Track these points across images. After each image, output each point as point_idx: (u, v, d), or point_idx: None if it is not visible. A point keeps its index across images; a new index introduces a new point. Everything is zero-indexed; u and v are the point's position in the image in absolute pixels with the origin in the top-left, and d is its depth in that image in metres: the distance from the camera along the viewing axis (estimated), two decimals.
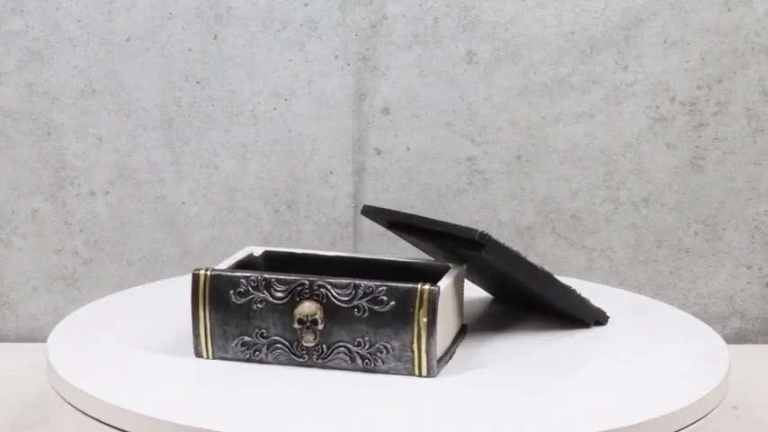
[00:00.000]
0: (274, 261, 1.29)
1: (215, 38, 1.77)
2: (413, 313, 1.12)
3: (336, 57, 1.78)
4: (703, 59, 1.77)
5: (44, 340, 1.29)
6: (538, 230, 1.82)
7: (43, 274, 1.82)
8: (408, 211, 1.43)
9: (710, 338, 1.30)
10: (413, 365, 1.13)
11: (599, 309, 1.31)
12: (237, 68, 1.78)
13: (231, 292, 1.15)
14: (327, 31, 1.77)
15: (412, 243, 1.34)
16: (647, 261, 1.83)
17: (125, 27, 1.76)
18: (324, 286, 1.14)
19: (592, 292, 1.50)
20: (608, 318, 1.32)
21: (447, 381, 1.14)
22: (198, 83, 1.78)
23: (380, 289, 1.13)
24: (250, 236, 1.82)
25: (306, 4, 1.77)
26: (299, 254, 1.29)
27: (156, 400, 1.08)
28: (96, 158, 1.80)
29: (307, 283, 1.14)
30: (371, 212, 1.30)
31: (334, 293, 1.14)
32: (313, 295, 1.14)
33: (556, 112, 1.79)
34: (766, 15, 1.76)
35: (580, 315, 1.30)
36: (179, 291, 1.45)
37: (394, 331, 1.13)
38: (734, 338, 1.85)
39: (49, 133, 1.79)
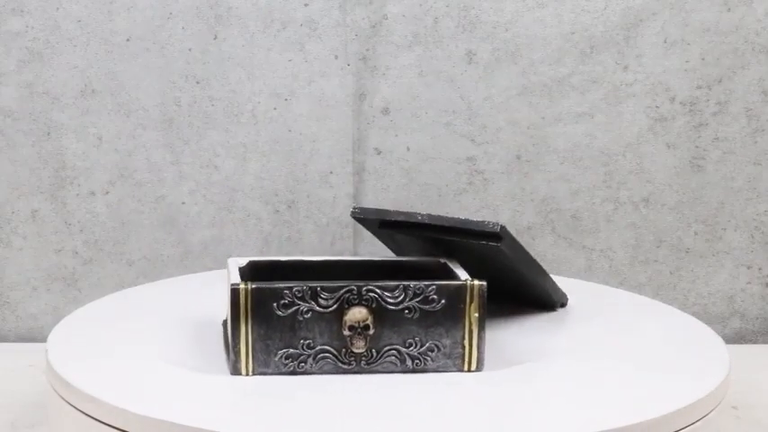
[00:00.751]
0: (260, 271, 1.25)
1: (215, 38, 1.77)
2: (464, 309, 1.14)
3: (336, 57, 1.78)
4: (703, 59, 1.77)
5: (44, 340, 1.29)
6: (538, 230, 1.82)
7: (43, 274, 1.82)
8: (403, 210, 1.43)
9: (710, 338, 1.30)
10: (462, 361, 1.15)
11: (563, 292, 1.37)
12: (237, 68, 1.78)
13: (275, 304, 1.12)
14: (327, 31, 1.77)
15: (391, 245, 1.35)
16: (647, 261, 1.83)
17: (125, 27, 1.77)
18: (372, 290, 1.14)
19: (592, 292, 1.50)
20: (567, 299, 1.38)
21: (494, 375, 1.16)
22: (198, 83, 1.78)
23: (431, 288, 1.14)
24: (250, 236, 1.82)
25: (306, 4, 1.77)
26: (283, 261, 1.26)
27: (157, 400, 1.08)
28: (96, 158, 1.80)
29: (355, 288, 1.13)
30: (365, 214, 1.29)
31: (385, 297, 1.14)
32: (362, 300, 1.14)
33: (556, 112, 1.79)
34: (766, 15, 1.76)
35: (553, 298, 1.35)
36: (179, 291, 1.45)
37: (445, 329, 1.14)
38: (734, 338, 1.85)
39: (49, 133, 1.79)
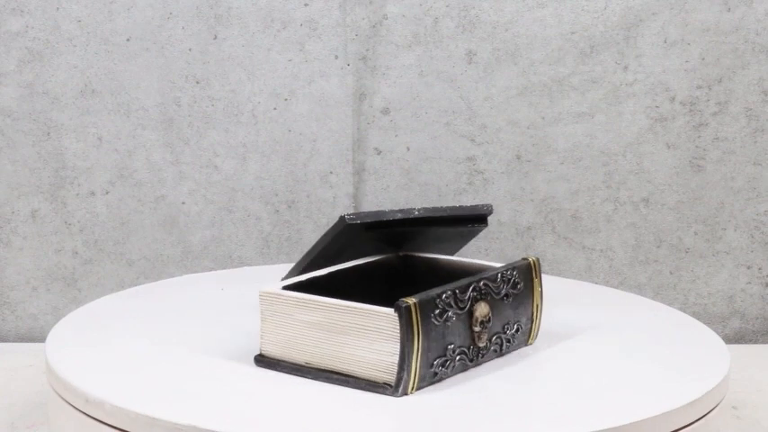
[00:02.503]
0: (306, 288, 1.21)
1: (215, 38, 1.77)
2: (532, 286, 1.20)
3: (336, 57, 1.78)
4: (703, 59, 1.78)
5: (44, 340, 1.29)
6: (538, 230, 1.82)
7: (43, 274, 1.82)
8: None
9: (710, 338, 1.30)
10: (528, 336, 1.21)
11: (478, 205, 1.34)
12: (237, 68, 1.78)
13: (431, 315, 1.09)
14: (327, 31, 1.77)
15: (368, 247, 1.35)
16: (647, 261, 1.83)
17: (125, 27, 1.77)
18: (486, 284, 1.15)
19: (592, 292, 1.50)
20: (491, 207, 1.35)
21: (543, 347, 1.22)
22: (198, 83, 1.78)
23: (514, 272, 1.18)
24: (250, 236, 1.82)
25: (306, 4, 1.77)
26: (319, 276, 1.22)
27: (157, 400, 1.08)
28: (96, 158, 1.80)
29: (474, 284, 1.14)
30: (360, 218, 1.28)
31: (492, 288, 1.16)
32: (481, 294, 1.14)
33: (556, 112, 1.79)
34: (766, 15, 1.76)
35: (473, 216, 1.33)
36: (179, 291, 1.45)
37: (524, 308, 1.20)
38: (734, 338, 1.85)
39: (48, 133, 1.79)
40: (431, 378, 1.09)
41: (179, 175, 1.81)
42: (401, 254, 1.29)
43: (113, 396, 1.07)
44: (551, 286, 1.51)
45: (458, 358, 1.12)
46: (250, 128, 1.80)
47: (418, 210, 1.26)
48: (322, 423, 1.01)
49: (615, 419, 1.03)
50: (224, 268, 1.82)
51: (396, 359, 1.07)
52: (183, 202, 1.82)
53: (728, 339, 1.82)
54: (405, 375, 1.07)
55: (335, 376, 1.10)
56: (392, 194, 1.81)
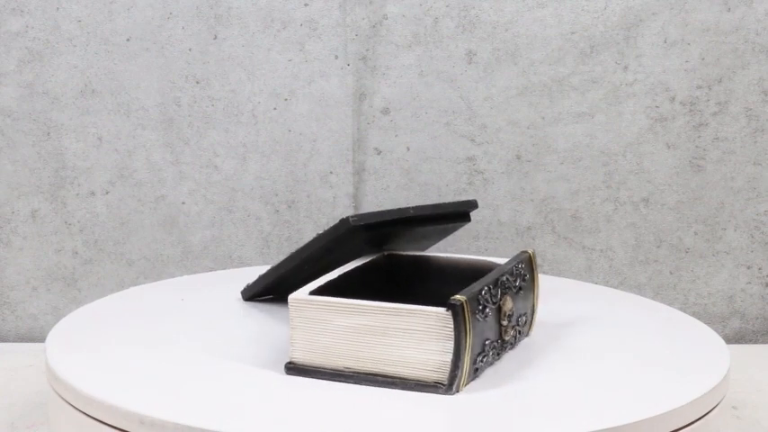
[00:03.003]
0: (330, 291, 1.21)
1: (215, 38, 1.77)
2: (534, 278, 1.24)
3: (336, 57, 1.78)
4: (703, 59, 1.78)
5: (44, 340, 1.29)
6: (538, 230, 1.82)
7: (43, 274, 1.82)
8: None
9: (710, 338, 1.30)
10: (529, 327, 1.24)
11: (464, 201, 1.35)
12: (237, 68, 1.78)
13: (476, 311, 1.09)
14: (327, 31, 1.77)
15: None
16: (647, 261, 1.83)
17: (125, 27, 1.77)
18: (507, 278, 1.17)
19: (592, 292, 1.50)
20: (476, 203, 1.35)
21: (543, 347, 1.23)
22: (198, 83, 1.78)
23: (522, 265, 1.20)
24: (250, 236, 1.82)
25: (306, 4, 1.77)
26: (336, 278, 1.22)
27: (157, 400, 1.08)
28: (96, 158, 1.80)
29: (500, 278, 1.15)
30: (364, 219, 1.28)
31: (512, 282, 1.17)
32: (505, 288, 1.16)
33: (556, 112, 1.79)
34: (766, 15, 1.76)
35: (460, 213, 1.34)
36: (179, 291, 1.45)
37: (529, 299, 1.23)
38: (734, 338, 1.85)
39: (48, 133, 1.79)
40: (473, 374, 1.10)
41: (179, 175, 1.81)
42: (386, 253, 1.29)
43: (113, 396, 1.07)
44: (552, 286, 1.51)
45: (491, 353, 1.13)
46: (250, 128, 1.80)
47: (412, 208, 1.26)
48: (384, 425, 1.01)
49: (615, 419, 1.03)
50: (224, 268, 1.82)
51: (448, 357, 1.07)
52: (183, 202, 1.82)
53: (728, 339, 1.82)
54: (459, 373, 1.07)
55: (380, 379, 1.09)
56: (392, 194, 1.81)
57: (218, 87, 1.79)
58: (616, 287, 1.81)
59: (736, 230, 1.82)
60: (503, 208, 1.82)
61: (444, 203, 1.29)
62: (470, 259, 1.30)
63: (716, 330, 1.81)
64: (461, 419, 1.03)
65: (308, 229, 1.82)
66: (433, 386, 1.08)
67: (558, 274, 1.82)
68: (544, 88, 1.79)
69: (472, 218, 1.81)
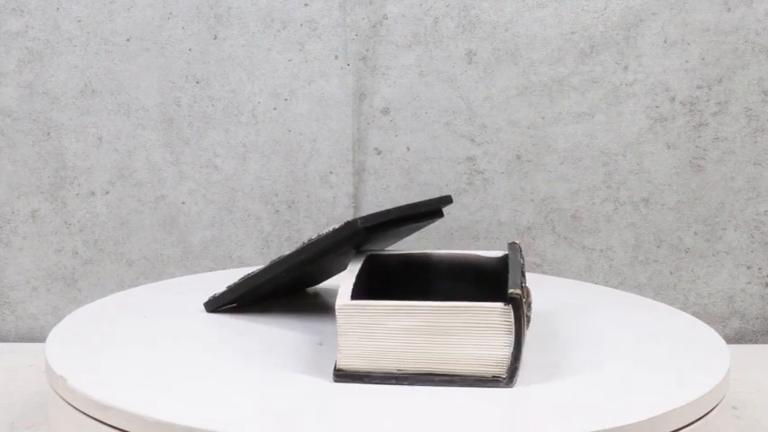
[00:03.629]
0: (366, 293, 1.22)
1: (215, 38, 1.77)
2: (522, 264, 1.23)
3: (336, 57, 1.78)
4: (703, 59, 1.78)
5: (44, 340, 1.29)
6: (538, 230, 1.82)
7: (43, 274, 1.82)
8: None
9: (710, 338, 1.30)
10: None
11: (440, 198, 1.33)
12: (237, 68, 1.78)
13: (525, 304, 1.12)
14: (327, 31, 1.77)
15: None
16: (647, 261, 1.83)
17: (125, 27, 1.77)
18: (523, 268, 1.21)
19: (592, 292, 1.50)
20: (450, 198, 1.34)
21: (543, 347, 1.24)
22: (198, 83, 1.78)
23: (521, 254, 1.24)
24: (250, 236, 1.82)
25: (306, 4, 1.77)
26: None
27: (157, 400, 1.08)
28: (96, 158, 1.80)
29: (522, 269, 1.18)
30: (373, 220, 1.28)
31: (523, 272, 1.21)
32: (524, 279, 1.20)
33: (556, 112, 1.79)
34: (766, 15, 1.76)
35: (433, 210, 1.32)
36: (179, 291, 1.45)
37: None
38: (734, 338, 1.85)
39: (48, 133, 1.79)
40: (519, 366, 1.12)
41: (179, 175, 1.81)
42: (369, 253, 1.29)
43: (113, 396, 1.07)
44: (552, 286, 1.51)
45: (523, 343, 1.14)
46: (250, 128, 1.80)
47: (398, 209, 1.26)
48: (456, 421, 1.02)
49: (615, 419, 1.03)
50: (224, 268, 1.82)
51: (506, 351, 1.09)
52: (183, 202, 1.82)
53: (728, 339, 1.82)
54: (518, 365, 1.09)
55: (438, 378, 1.09)
56: (392, 194, 1.81)
57: (218, 87, 1.79)
58: (616, 287, 1.81)
59: (736, 230, 1.82)
60: (503, 208, 1.82)
61: (422, 201, 1.28)
62: (457, 254, 1.30)
63: (716, 330, 1.81)
64: (530, 411, 1.05)
65: (307, 229, 1.82)
66: (493, 381, 1.09)
67: (558, 274, 1.82)
68: (544, 88, 1.79)
69: (472, 217, 1.81)
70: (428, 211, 1.29)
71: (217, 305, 1.35)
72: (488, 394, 1.07)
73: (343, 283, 1.16)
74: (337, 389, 1.09)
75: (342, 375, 1.10)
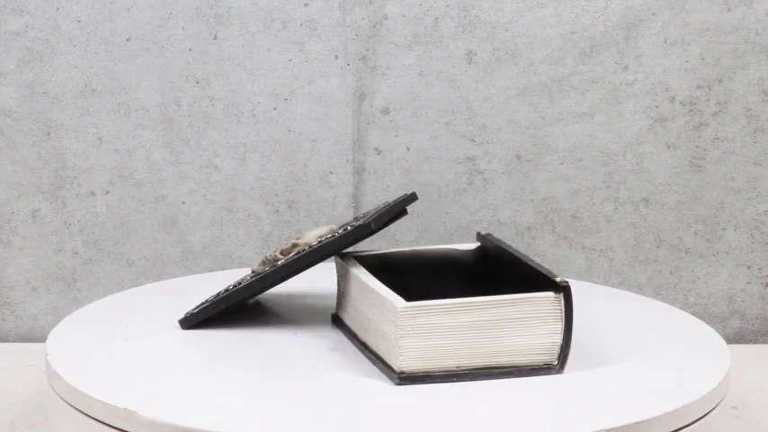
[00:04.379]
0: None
1: (215, 38, 1.77)
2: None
3: (336, 57, 1.78)
4: (703, 59, 1.78)
5: (44, 340, 1.29)
6: (538, 230, 1.82)
7: (43, 274, 1.82)
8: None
9: (710, 338, 1.30)
10: None
11: (407, 196, 1.31)
12: (237, 68, 1.78)
13: None
14: (327, 31, 1.77)
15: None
16: (647, 261, 1.83)
17: (125, 27, 1.77)
18: None
19: (592, 292, 1.50)
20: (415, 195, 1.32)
21: None
22: (198, 83, 1.78)
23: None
24: (250, 236, 1.82)
25: (306, 4, 1.77)
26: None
27: (157, 400, 1.08)
28: (96, 158, 1.80)
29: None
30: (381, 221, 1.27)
31: None
32: None
33: (556, 112, 1.79)
34: (766, 15, 1.76)
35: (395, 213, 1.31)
36: (179, 291, 1.45)
37: None
38: (734, 338, 1.85)
39: (48, 133, 1.79)
40: None
41: (179, 175, 1.81)
42: (354, 255, 1.30)
43: (113, 396, 1.07)
44: None
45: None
46: (250, 128, 1.80)
47: (376, 214, 1.26)
48: (523, 410, 1.06)
49: (615, 419, 1.03)
50: (224, 268, 1.82)
51: (557, 339, 1.13)
52: (183, 202, 1.82)
53: (728, 339, 1.82)
54: (568, 351, 1.13)
55: (495, 371, 1.12)
56: (392, 194, 1.81)
57: (218, 87, 1.79)
58: (616, 287, 1.80)
59: (736, 230, 1.82)
60: (503, 208, 1.82)
61: (391, 203, 1.28)
62: (432, 249, 1.32)
63: (716, 330, 1.80)
64: (586, 396, 1.09)
65: (307, 229, 1.82)
66: (545, 368, 1.13)
67: (558, 274, 1.81)
68: (544, 88, 1.79)
69: (472, 217, 1.82)
70: (399, 213, 1.29)
71: (195, 322, 1.29)
72: (543, 382, 1.12)
73: (374, 285, 1.16)
74: (402, 391, 1.09)
75: (406, 378, 1.10)
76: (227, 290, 1.28)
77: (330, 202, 1.81)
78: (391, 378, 1.11)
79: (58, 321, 1.58)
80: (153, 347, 1.23)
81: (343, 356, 1.19)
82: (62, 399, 1.13)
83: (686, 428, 1.08)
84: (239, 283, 1.28)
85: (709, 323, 1.77)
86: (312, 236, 1.29)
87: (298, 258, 1.25)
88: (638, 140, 1.80)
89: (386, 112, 1.80)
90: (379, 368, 1.14)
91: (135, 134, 1.80)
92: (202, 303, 1.29)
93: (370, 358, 1.17)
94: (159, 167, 1.80)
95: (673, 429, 1.06)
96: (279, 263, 1.26)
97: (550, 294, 1.12)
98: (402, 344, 1.10)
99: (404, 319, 1.09)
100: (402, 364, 1.10)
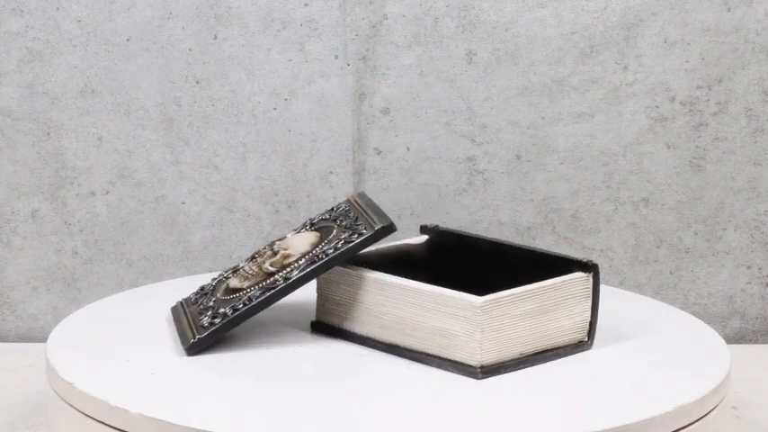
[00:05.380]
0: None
1: (215, 38, 1.77)
2: None
3: (336, 57, 1.78)
4: (703, 59, 1.78)
5: (44, 340, 1.29)
6: (538, 230, 1.82)
7: (43, 274, 1.82)
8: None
9: (710, 338, 1.30)
10: None
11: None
12: (237, 68, 1.78)
13: None
14: (327, 31, 1.77)
15: None
16: (647, 261, 1.83)
17: (125, 27, 1.77)
18: None
19: None
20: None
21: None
22: (198, 83, 1.78)
23: None
24: (250, 236, 1.82)
25: (306, 4, 1.77)
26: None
27: (157, 400, 1.08)
28: (96, 158, 1.80)
29: None
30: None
31: None
32: None
33: (556, 112, 1.79)
34: (766, 15, 1.76)
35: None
36: (179, 291, 1.45)
37: None
38: (734, 338, 1.85)
39: (48, 133, 1.79)
40: None
41: (179, 175, 1.81)
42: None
43: (113, 396, 1.07)
44: None
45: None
46: (250, 128, 1.80)
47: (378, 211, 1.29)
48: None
49: (615, 419, 1.03)
50: (224, 268, 1.82)
51: (587, 316, 1.21)
52: (183, 202, 1.82)
53: (728, 339, 1.82)
54: (595, 328, 1.22)
55: (548, 354, 1.19)
56: (392, 194, 1.81)
57: (218, 87, 1.79)
58: (616, 287, 1.80)
59: (736, 230, 1.82)
60: (503, 208, 1.82)
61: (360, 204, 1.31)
62: (393, 246, 1.35)
63: (716, 330, 1.80)
64: (616, 369, 1.17)
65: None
66: (580, 345, 1.21)
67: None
68: (544, 88, 1.79)
69: (472, 218, 1.82)
70: None
71: (205, 345, 1.22)
72: (581, 359, 1.20)
73: (423, 287, 1.17)
74: (485, 384, 1.13)
75: (486, 371, 1.14)
76: (235, 309, 1.23)
77: (330, 202, 1.81)
78: (470, 373, 1.14)
79: (58, 321, 1.58)
80: (152, 348, 1.23)
81: (379, 359, 1.19)
82: (62, 399, 1.13)
83: (686, 428, 1.08)
84: (250, 300, 1.23)
85: (709, 323, 1.77)
86: (301, 243, 1.27)
87: (318, 267, 1.23)
88: (638, 140, 1.80)
89: (386, 112, 1.80)
90: (438, 365, 1.16)
91: (135, 134, 1.80)
92: (209, 326, 1.23)
93: (415, 358, 1.18)
94: (159, 167, 1.80)
95: (673, 429, 1.06)
96: (293, 274, 1.23)
97: (582, 275, 1.19)
98: (482, 338, 1.13)
99: (483, 313, 1.12)
100: (482, 357, 1.13)
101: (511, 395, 1.11)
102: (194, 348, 1.20)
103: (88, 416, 1.09)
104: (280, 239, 1.31)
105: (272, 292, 1.23)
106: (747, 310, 1.84)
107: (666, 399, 1.08)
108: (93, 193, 1.81)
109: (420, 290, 1.17)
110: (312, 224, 1.34)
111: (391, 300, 1.19)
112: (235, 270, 1.31)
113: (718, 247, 1.82)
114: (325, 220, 1.32)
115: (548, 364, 1.18)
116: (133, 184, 1.81)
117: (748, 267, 1.83)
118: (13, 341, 1.84)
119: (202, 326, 1.22)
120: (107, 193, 1.81)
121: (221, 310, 1.23)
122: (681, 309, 1.78)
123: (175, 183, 1.81)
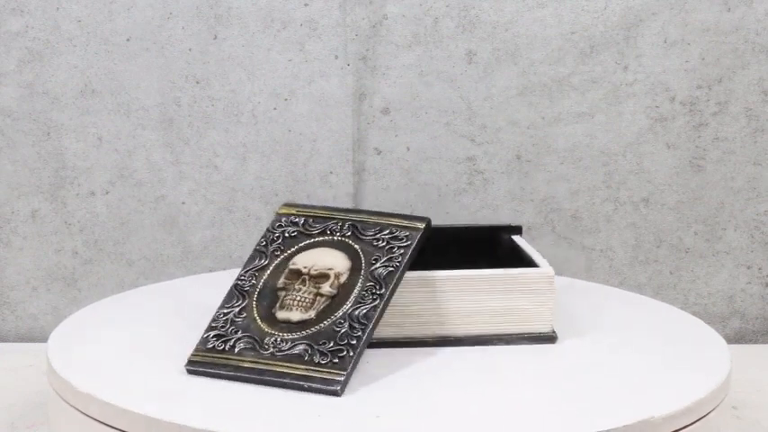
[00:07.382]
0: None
1: (215, 38, 1.77)
2: None
3: (336, 57, 1.78)
4: (703, 59, 1.78)
5: (44, 340, 1.29)
6: (538, 230, 1.82)
7: (43, 274, 1.82)
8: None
9: (710, 338, 1.30)
10: None
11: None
12: (237, 68, 1.78)
13: None
14: (327, 31, 1.77)
15: None
16: (647, 261, 1.83)
17: (125, 27, 1.77)
18: None
19: (592, 292, 1.50)
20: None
21: (543, 346, 1.30)
22: (198, 83, 1.78)
23: None
24: (250, 236, 1.82)
25: (306, 4, 1.77)
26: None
27: (158, 400, 1.08)
28: (96, 158, 1.80)
29: None
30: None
31: None
32: None
33: (556, 112, 1.79)
34: (766, 15, 1.76)
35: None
36: (179, 291, 1.45)
37: None
38: (734, 338, 1.85)
39: (48, 133, 1.79)
40: None
41: (179, 175, 1.81)
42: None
43: (113, 397, 1.07)
44: None
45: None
46: (250, 128, 1.80)
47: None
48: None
49: (615, 419, 1.03)
50: (224, 268, 1.82)
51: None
52: (183, 202, 1.82)
53: (729, 339, 1.82)
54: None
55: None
56: (392, 194, 1.81)
57: (218, 87, 1.79)
58: (616, 287, 1.80)
59: (736, 230, 1.82)
60: (503, 208, 1.82)
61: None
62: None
63: (716, 330, 1.80)
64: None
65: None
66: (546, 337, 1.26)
67: (559, 274, 1.81)
68: (544, 88, 1.79)
69: (472, 217, 1.82)
70: None
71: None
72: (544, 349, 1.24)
73: (473, 272, 1.23)
74: (559, 348, 1.24)
75: (556, 336, 1.26)
76: (357, 337, 1.14)
77: (330, 203, 1.81)
78: (547, 339, 1.25)
79: (58, 321, 1.58)
80: (152, 348, 1.23)
81: (423, 353, 1.22)
82: (62, 399, 1.13)
83: (686, 428, 1.08)
84: (368, 319, 1.15)
85: (709, 323, 1.78)
86: (334, 260, 1.20)
87: (399, 275, 1.19)
88: (638, 140, 1.80)
89: (386, 112, 1.80)
90: (507, 341, 1.25)
91: (135, 134, 1.80)
92: (348, 359, 1.12)
93: (477, 342, 1.24)
94: (159, 167, 1.80)
95: (673, 429, 1.06)
96: (382, 293, 1.16)
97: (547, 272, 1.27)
98: (553, 306, 1.25)
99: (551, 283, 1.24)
100: (553, 323, 1.26)
101: (582, 355, 1.22)
102: (345, 387, 1.10)
103: (88, 416, 1.09)
104: (291, 261, 1.22)
105: (379, 309, 1.15)
106: (747, 310, 1.84)
107: (666, 399, 1.08)
108: (93, 193, 1.81)
109: (486, 275, 1.24)
110: (278, 248, 1.24)
111: (438, 294, 1.24)
112: (270, 307, 1.20)
113: (718, 247, 1.82)
114: (292, 237, 1.25)
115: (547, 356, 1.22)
116: (133, 184, 1.81)
117: (748, 267, 1.83)
118: (13, 341, 1.84)
119: (334, 362, 1.11)
120: (107, 193, 1.81)
121: (342, 342, 1.13)
122: (681, 309, 1.78)
123: (175, 183, 1.81)
